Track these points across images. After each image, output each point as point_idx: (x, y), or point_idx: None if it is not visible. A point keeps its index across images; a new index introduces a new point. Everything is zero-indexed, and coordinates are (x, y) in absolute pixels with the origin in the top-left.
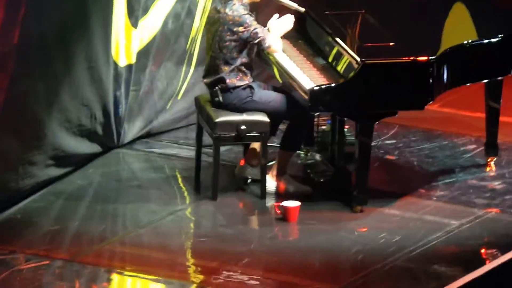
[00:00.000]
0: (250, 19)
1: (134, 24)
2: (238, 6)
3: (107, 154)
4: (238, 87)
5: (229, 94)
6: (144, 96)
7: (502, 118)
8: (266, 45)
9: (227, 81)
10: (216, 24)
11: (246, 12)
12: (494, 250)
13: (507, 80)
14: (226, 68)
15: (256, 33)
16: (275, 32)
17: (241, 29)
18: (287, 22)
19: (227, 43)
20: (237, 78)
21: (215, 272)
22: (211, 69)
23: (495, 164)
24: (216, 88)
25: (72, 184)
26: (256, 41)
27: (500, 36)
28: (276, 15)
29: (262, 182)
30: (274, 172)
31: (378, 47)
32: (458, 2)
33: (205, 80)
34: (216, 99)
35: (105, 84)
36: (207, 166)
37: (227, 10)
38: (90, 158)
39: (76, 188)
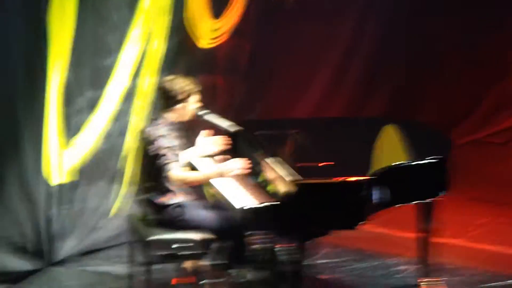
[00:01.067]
0: (163, 141)
1: (66, 144)
2: (161, 126)
3: (38, 272)
4: (169, 206)
5: (159, 213)
6: (77, 215)
7: (433, 239)
8: (165, 173)
9: (157, 200)
10: (141, 143)
11: (164, 133)
12: None
13: (438, 202)
14: (154, 187)
15: (160, 157)
16: (200, 150)
17: (151, 149)
18: (237, 166)
19: (147, 160)
20: (167, 198)
21: None
22: (141, 188)
23: (427, 285)
24: (147, 207)
25: None
26: (159, 162)
27: (430, 158)
28: (204, 133)
29: None
30: None
31: (310, 167)
32: (389, 124)
33: (135, 199)
34: (147, 217)
35: (37, 202)
36: (141, 284)
37: (149, 129)
38: (21, 276)
39: None
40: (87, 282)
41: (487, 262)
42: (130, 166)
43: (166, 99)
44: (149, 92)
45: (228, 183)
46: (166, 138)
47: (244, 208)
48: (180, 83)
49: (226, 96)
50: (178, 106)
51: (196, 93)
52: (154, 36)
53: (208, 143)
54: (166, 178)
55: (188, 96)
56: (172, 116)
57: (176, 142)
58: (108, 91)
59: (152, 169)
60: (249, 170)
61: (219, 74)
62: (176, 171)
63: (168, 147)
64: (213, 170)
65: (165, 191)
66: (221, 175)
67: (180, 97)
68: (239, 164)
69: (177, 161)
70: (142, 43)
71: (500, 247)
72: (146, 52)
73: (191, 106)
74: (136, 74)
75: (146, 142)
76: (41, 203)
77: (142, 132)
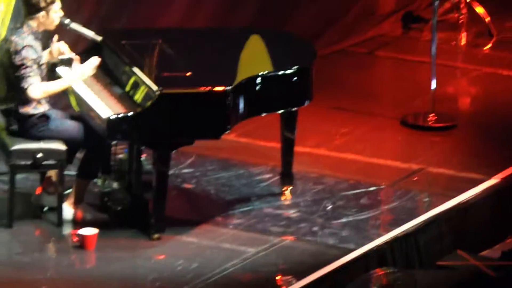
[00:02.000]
0: (28, 52)
1: None
2: (26, 35)
3: None
4: (33, 115)
5: (23, 122)
6: None
7: (296, 148)
8: (24, 85)
9: (21, 110)
10: (3, 52)
11: (31, 43)
12: (289, 277)
13: (302, 111)
14: (17, 97)
15: (25, 69)
16: (77, 75)
17: (17, 58)
18: (89, 67)
19: (12, 69)
20: (31, 107)
21: None
22: (5, 97)
23: (291, 193)
24: (11, 116)
25: None
26: (21, 75)
27: (295, 68)
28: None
29: (59, 210)
30: (71, 200)
31: (175, 77)
32: (255, 34)
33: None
34: (11, 127)
35: None
36: (3, 194)
37: (13, 37)
38: None
39: None
40: None
41: (348, 171)
42: None
43: (28, 6)
44: None
45: (95, 92)
46: (32, 48)
47: (110, 117)
48: None
49: (92, 5)
50: (41, 13)
51: (58, 1)
52: None
53: (86, 67)
54: (25, 90)
55: (51, 3)
56: (37, 24)
57: (41, 53)
58: None
59: (15, 80)
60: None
61: None
62: (35, 85)
63: (33, 59)
64: (71, 77)
65: (30, 100)
66: (79, 79)
67: (42, 4)
68: (92, 64)
69: (41, 74)
70: None
71: (361, 156)
72: None
73: (54, 14)
74: None
75: (12, 51)
76: None
77: (7, 40)
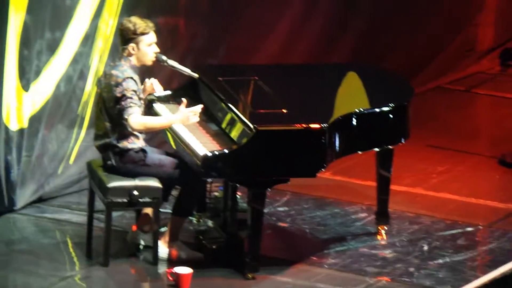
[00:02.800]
0: (129, 84)
1: (25, 87)
2: (125, 68)
3: None
4: (130, 150)
5: (121, 157)
6: (36, 160)
7: (392, 187)
8: (125, 116)
9: (119, 144)
10: (103, 86)
11: (131, 76)
12: None
13: (398, 149)
14: (116, 131)
15: (126, 100)
16: (179, 117)
17: (117, 90)
18: (194, 114)
19: (112, 103)
20: (129, 141)
21: None
22: (102, 132)
23: (386, 232)
24: (108, 151)
25: None
26: (122, 107)
27: (391, 105)
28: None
29: (154, 248)
30: (166, 238)
31: (271, 113)
32: (352, 71)
33: (95, 143)
34: (109, 162)
35: None
36: (99, 231)
37: (113, 71)
38: None
39: None
40: (46, 229)
41: (445, 211)
42: (90, 110)
43: (121, 37)
44: (110, 34)
45: (190, 130)
46: (133, 80)
47: (206, 155)
48: (134, 21)
49: (187, 40)
50: (129, 46)
51: (150, 34)
52: None
53: (191, 114)
54: (126, 121)
55: (140, 34)
56: (133, 58)
57: (140, 86)
58: (69, 33)
59: (116, 112)
60: (207, 117)
61: (180, 17)
62: (137, 115)
63: (134, 90)
64: (172, 117)
65: (128, 134)
66: (182, 123)
67: (131, 35)
68: (197, 111)
69: (140, 106)
70: None
71: (458, 195)
72: None
73: (145, 47)
74: (97, 15)
75: (112, 84)
76: (0, 149)
77: (106, 75)
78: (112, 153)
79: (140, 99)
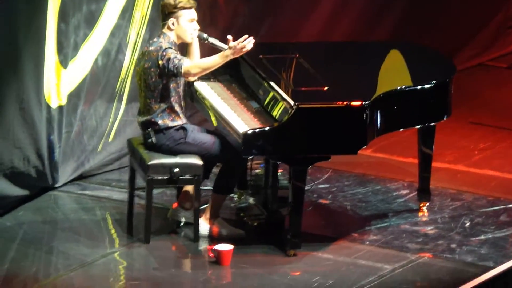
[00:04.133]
0: (170, 50)
1: (64, 64)
2: (163, 43)
3: (39, 196)
4: (171, 127)
5: (162, 135)
6: (76, 137)
7: (434, 164)
8: (180, 70)
9: (160, 122)
10: (143, 63)
11: (168, 45)
12: None
13: (440, 126)
14: (157, 108)
15: (171, 59)
16: (231, 53)
17: (160, 62)
18: (246, 45)
19: (153, 79)
20: (170, 119)
21: None
22: (143, 109)
23: (428, 209)
24: (149, 129)
25: (1, 225)
26: (171, 66)
27: (433, 82)
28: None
29: (195, 225)
30: (207, 215)
31: (312, 91)
32: (394, 48)
33: (138, 119)
34: (149, 140)
35: (37, 126)
36: (140, 209)
37: (151, 48)
38: (21, 200)
39: (6, 230)
40: (87, 206)
41: (487, 187)
42: (129, 85)
43: (162, 12)
44: (148, 6)
45: (231, 107)
46: (172, 49)
47: (247, 132)
48: None
49: (227, 17)
50: (169, 20)
51: (192, 10)
52: None
53: (236, 47)
54: (182, 74)
55: (180, 9)
56: (172, 35)
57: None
58: (107, 5)
59: (157, 88)
60: (248, 95)
61: None
62: (188, 61)
63: (176, 52)
64: (225, 53)
65: (169, 112)
66: (233, 55)
67: (171, 9)
68: (243, 45)
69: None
70: None
71: (501, 172)
72: None
73: (185, 23)
74: None
75: (153, 59)
76: (42, 126)
77: (144, 53)
78: (153, 130)
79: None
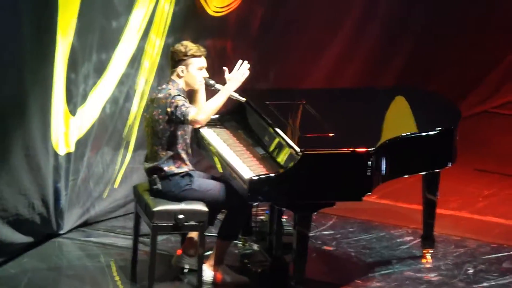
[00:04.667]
0: (179, 98)
1: (73, 112)
2: (172, 90)
3: (43, 243)
4: (177, 174)
5: (167, 181)
6: (82, 184)
7: (438, 210)
8: (187, 118)
9: (166, 168)
10: (151, 109)
11: (177, 93)
12: None
13: (445, 172)
14: (164, 155)
15: (179, 106)
16: (232, 85)
17: (168, 109)
18: (243, 72)
19: (161, 126)
20: (176, 166)
21: None
22: (150, 155)
23: (432, 256)
24: (155, 175)
25: (5, 272)
26: (179, 113)
27: (438, 129)
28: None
29: (199, 272)
30: (212, 261)
31: (318, 137)
32: (400, 94)
33: (145, 166)
34: (155, 186)
35: (43, 173)
36: (144, 255)
37: (160, 95)
38: (25, 247)
39: (10, 277)
40: (91, 253)
41: (491, 234)
42: (136, 133)
43: (171, 59)
44: (157, 55)
45: (237, 153)
46: (181, 96)
47: (252, 178)
48: (186, 44)
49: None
50: (179, 68)
51: (202, 58)
52: None
53: (236, 75)
54: (189, 121)
55: (191, 56)
56: (181, 82)
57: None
58: (116, 54)
59: (164, 135)
60: (254, 141)
61: (229, 40)
62: (195, 109)
63: (184, 100)
64: (227, 87)
65: (175, 159)
66: (235, 85)
67: (181, 56)
68: (243, 68)
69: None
70: (150, 3)
71: (505, 219)
72: (154, 14)
73: (195, 71)
74: (143, 37)
75: (161, 105)
76: (49, 173)
77: (153, 100)
78: (159, 177)
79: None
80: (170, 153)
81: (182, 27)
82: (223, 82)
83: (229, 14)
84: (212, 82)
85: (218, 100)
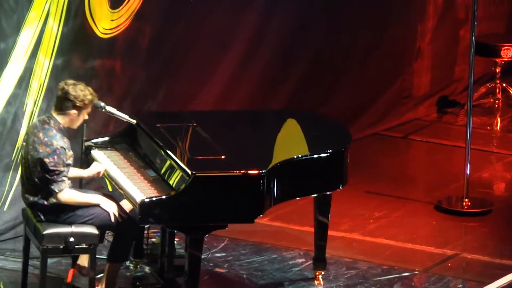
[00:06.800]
0: (61, 156)
1: None
2: (55, 133)
3: None
4: (57, 204)
5: (50, 213)
6: None
7: (330, 232)
8: (56, 189)
9: (45, 203)
10: (29, 146)
11: (63, 145)
12: None
13: (336, 194)
14: (43, 189)
15: (58, 172)
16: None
17: (46, 160)
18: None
19: (38, 167)
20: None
21: None
22: (28, 188)
23: (323, 278)
24: (37, 209)
25: None
26: (50, 178)
27: (329, 151)
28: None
29: None
30: (103, 285)
31: (209, 160)
32: (290, 117)
33: (24, 200)
34: (38, 219)
35: None
36: (35, 278)
37: (41, 135)
38: None
39: None
40: None
41: (382, 256)
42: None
43: (63, 101)
44: (46, 76)
45: (128, 175)
46: (64, 150)
47: (144, 200)
48: (82, 91)
49: (124, 84)
50: (73, 111)
51: (90, 105)
52: (51, 18)
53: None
54: (55, 193)
55: (88, 104)
56: (65, 121)
57: (70, 150)
58: (4, 75)
59: (44, 180)
60: (145, 164)
61: (119, 60)
62: (67, 191)
63: (65, 163)
64: (92, 197)
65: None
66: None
67: (78, 103)
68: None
69: (68, 179)
70: (38, 24)
71: (395, 241)
72: (43, 34)
73: (83, 116)
74: (32, 57)
75: (39, 149)
76: None
77: (35, 136)
78: (41, 211)
79: (68, 165)
80: (48, 187)
81: (71, 47)
82: (111, 102)
83: (118, 35)
84: (102, 104)
85: (85, 200)
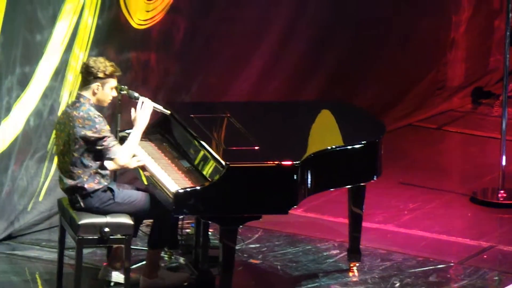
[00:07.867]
0: (100, 124)
1: None
2: (88, 107)
3: None
4: (98, 190)
5: (89, 198)
6: (6, 197)
7: (364, 224)
8: (112, 156)
9: (86, 186)
10: (68, 129)
11: (96, 114)
12: None
13: (370, 186)
14: (81, 172)
15: (106, 142)
16: (141, 124)
17: (89, 133)
18: (148, 110)
19: (77, 146)
20: (95, 182)
21: None
22: (66, 174)
23: (358, 269)
24: (76, 194)
25: None
26: (101, 147)
27: (363, 142)
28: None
29: (125, 285)
30: (147, 272)
31: (243, 150)
32: (325, 108)
33: (61, 186)
34: (77, 205)
35: None
36: (70, 268)
37: (75, 113)
38: None
39: None
40: (16, 267)
41: (417, 248)
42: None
43: (87, 75)
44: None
45: (162, 166)
46: (101, 117)
47: (178, 191)
48: (102, 63)
49: (158, 76)
50: (94, 84)
51: (115, 78)
52: (86, 10)
53: (141, 114)
54: (115, 160)
55: (109, 76)
56: (93, 98)
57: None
58: (40, 67)
59: (81, 153)
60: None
61: (153, 52)
62: (121, 151)
63: (108, 129)
64: (138, 126)
65: (93, 175)
66: (145, 122)
67: (99, 74)
68: (147, 110)
69: (118, 144)
70: (73, 16)
71: (430, 233)
72: (78, 27)
73: (108, 90)
74: (67, 50)
75: (78, 125)
76: None
77: (69, 117)
78: (80, 196)
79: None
80: (88, 170)
81: (106, 40)
82: (145, 94)
83: (153, 26)
84: (136, 94)
85: (133, 140)
